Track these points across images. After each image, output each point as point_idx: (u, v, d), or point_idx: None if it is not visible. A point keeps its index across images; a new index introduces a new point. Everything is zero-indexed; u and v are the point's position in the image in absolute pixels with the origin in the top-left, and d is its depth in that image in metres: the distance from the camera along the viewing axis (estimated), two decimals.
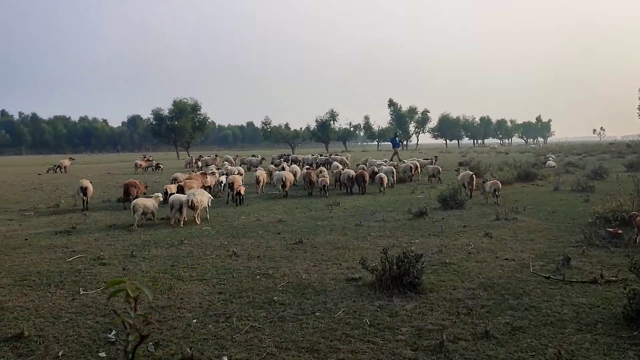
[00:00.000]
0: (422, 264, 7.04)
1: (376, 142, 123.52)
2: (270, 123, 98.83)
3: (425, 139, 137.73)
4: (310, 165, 34.07)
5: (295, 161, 38.07)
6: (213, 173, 21.46)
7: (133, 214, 12.59)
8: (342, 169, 23.10)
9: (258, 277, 7.80)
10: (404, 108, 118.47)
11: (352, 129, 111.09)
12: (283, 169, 24.90)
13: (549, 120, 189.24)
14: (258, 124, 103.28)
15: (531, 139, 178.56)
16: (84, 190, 16.40)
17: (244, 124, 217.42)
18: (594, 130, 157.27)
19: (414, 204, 15.46)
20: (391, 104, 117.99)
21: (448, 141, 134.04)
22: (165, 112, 77.14)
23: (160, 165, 37.04)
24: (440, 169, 24.81)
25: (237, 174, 21.64)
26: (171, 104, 77.00)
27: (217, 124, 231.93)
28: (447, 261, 8.59)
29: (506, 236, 10.74)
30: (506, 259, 8.74)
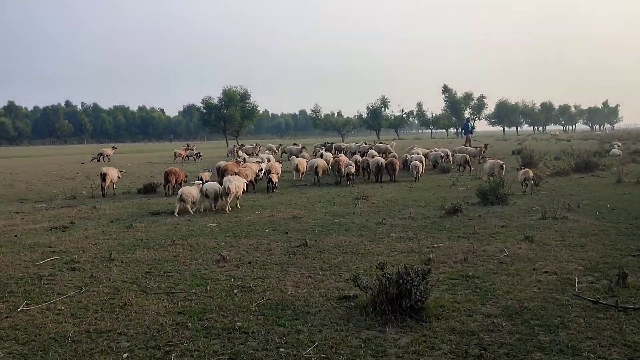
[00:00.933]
0: (427, 283, 5.57)
1: (430, 130, 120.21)
2: (319, 111, 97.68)
3: (482, 126, 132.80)
4: (354, 154, 32.95)
5: (339, 149, 37.04)
6: (258, 162, 20.85)
7: (179, 202, 12.69)
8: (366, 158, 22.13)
9: (236, 291, 6.53)
10: (459, 94, 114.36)
11: (404, 115, 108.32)
12: (321, 156, 24.30)
13: (617, 105, 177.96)
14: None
15: (597, 126, 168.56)
16: (103, 177, 16.60)
17: (297, 112, 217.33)
18: None
19: (450, 199, 13.82)
20: (445, 89, 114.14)
21: (506, 128, 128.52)
22: (215, 101, 77.34)
23: (200, 154, 36.57)
24: (468, 157, 23.59)
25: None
26: (221, 92, 77.13)
27: (270, 113, 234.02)
28: (470, 274, 7.04)
29: (551, 240, 9.02)
30: (546, 272, 7.10)
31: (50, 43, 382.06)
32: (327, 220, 11.57)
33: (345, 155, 26.78)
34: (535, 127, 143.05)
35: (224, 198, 13.17)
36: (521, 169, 17.07)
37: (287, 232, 10.22)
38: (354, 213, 12.44)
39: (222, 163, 19.48)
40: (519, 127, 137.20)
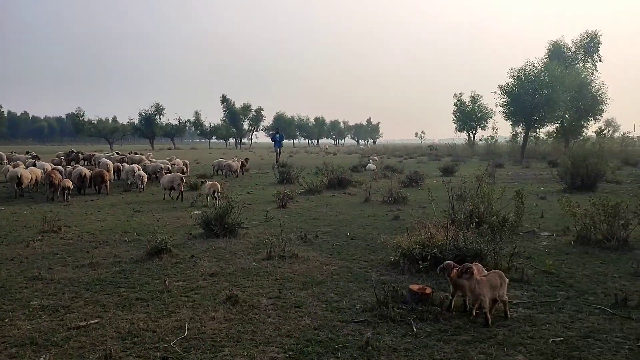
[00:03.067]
0: None
1: (207, 140, 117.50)
2: (83, 114, 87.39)
3: (261, 137, 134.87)
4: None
5: (88, 159, 32.40)
6: None
7: None
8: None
9: None
10: (238, 105, 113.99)
11: (181, 124, 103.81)
12: (34, 165, 20.52)
13: (378, 123, 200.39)
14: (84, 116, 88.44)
15: (362, 140, 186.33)
16: None
17: (63, 116, 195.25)
18: (416, 134, 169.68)
19: (172, 228, 10.86)
20: (224, 99, 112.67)
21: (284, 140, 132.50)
22: None
23: None
24: (160, 168, 21.85)
25: None
26: None
27: (31, 115, 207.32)
28: None
29: (262, 298, 6.51)
30: None
31: None
32: None
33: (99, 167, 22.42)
34: (310, 140, 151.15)
35: None
36: (205, 181, 17.09)
37: None
38: (13, 259, 8.54)
39: None
40: (295, 140, 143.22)
